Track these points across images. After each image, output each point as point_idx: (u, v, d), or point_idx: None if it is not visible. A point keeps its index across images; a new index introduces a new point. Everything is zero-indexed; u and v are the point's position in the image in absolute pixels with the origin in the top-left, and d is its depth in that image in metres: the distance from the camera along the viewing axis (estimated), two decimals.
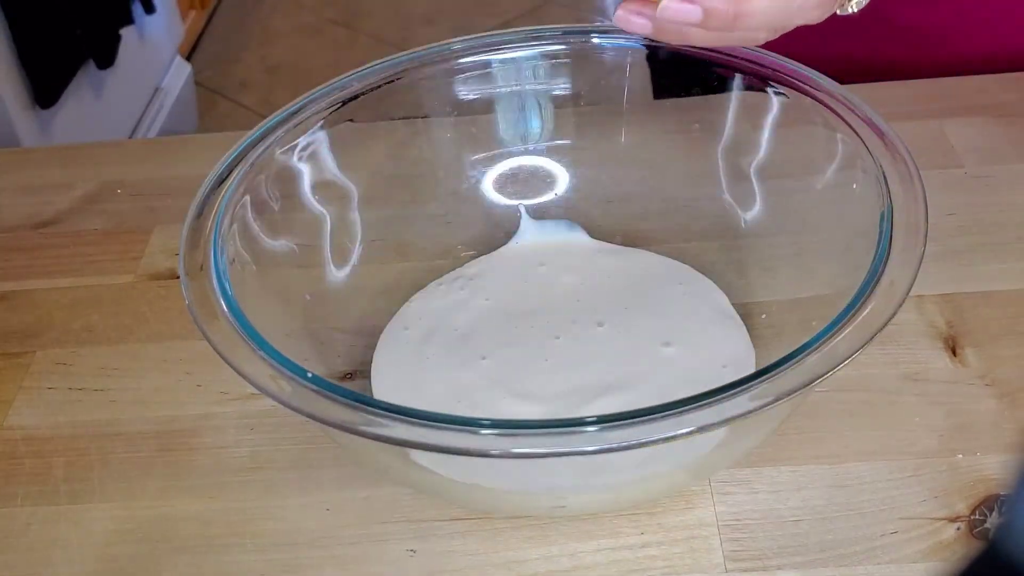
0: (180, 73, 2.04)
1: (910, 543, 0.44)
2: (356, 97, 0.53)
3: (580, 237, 0.58)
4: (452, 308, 0.54)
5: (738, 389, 0.37)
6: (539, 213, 0.58)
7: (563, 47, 0.56)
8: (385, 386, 0.50)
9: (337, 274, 0.54)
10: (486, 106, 0.58)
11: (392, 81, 0.54)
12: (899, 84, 0.67)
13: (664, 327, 0.52)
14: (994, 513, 0.44)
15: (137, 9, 1.77)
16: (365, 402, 0.38)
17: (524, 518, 0.46)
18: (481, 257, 0.57)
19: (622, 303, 0.53)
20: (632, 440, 0.35)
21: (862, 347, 0.38)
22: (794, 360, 0.37)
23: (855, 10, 0.48)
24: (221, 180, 0.48)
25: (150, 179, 0.67)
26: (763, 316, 0.52)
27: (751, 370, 0.49)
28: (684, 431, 0.36)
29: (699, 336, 0.51)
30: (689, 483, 0.47)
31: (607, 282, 0.55)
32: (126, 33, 1.72)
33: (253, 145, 0.50)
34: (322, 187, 0.54)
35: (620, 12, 0.45)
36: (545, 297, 0.54)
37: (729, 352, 0.50)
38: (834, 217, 0.50)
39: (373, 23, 2.34)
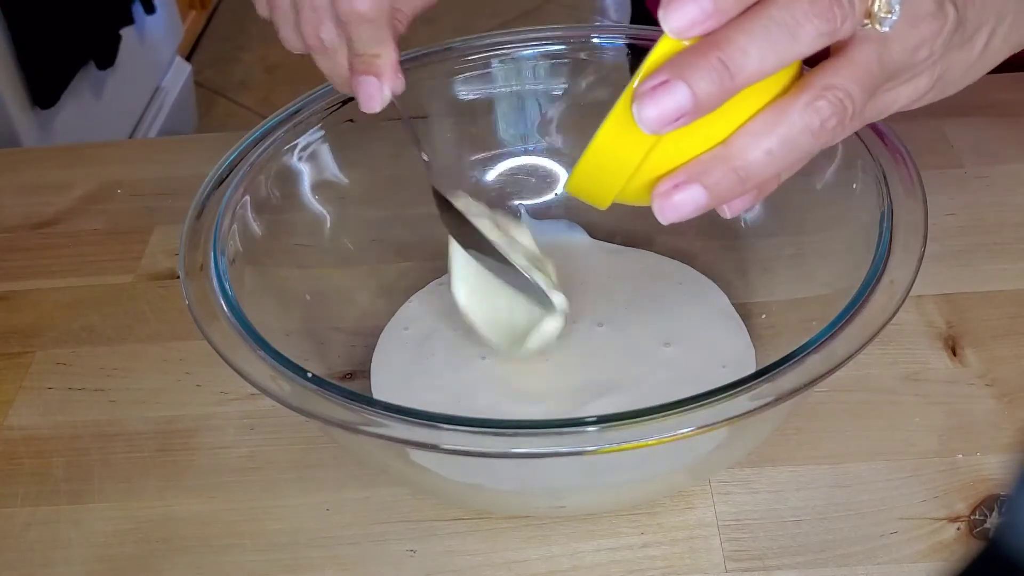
0: (180, 73, 2.04)
1: (910, 543, 0.44)
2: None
3: (580, 237, 0.58)
4: (452, 308, 0.54)
5: (738, 389, 0.37)
6: (539, 213, 0.58)
7: (563, 47, 0.57)
8: (385, 386, 0.50)
9: (337, 274, 0.54)
10: (486, 106, 0.58)
11: None
12: None
13: (664, 327, 0.52)
14: (994, 513, 0.44)
15: (137, 9, 1.77)
16: (365, 402, 0.38)
17: (524, 518, 0.46)
18: None
19: (622, 303, 0.53)
20: (632, 440, 0.35)
21: (862, 347, 0.38)
22: (794, 360, 0.37)
23: (887, 27, 0.36)
24: (221, 180, 0.48)
25: (150, 179, 0.67)
26: (763, 316, 0.52)
27: (751, 370, 0.49)
28: (684, 431, 0.36)
29: (699, 336, 0.51)
30: (689, 483, 0.47)
31: (607, 282, 0.55)
32: (126, 33, 1.72)
33: (253, 145, 0.50)
34: (322, 187, 0.54)
35: (659, 202, 0.36)
36: None
37: (729, 352, 0.50)
38: (834, 217, 0.49)
39: None
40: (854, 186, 0.47)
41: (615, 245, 0.57)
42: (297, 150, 0.52)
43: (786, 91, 0.35)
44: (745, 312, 0.52)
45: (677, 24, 0.32)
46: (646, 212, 0.58)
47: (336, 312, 0.53)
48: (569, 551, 0.45)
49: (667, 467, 0.44)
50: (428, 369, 0.51)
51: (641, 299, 0.54)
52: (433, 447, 0.36)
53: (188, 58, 2.16)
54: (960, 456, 0.47)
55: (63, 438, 0.51)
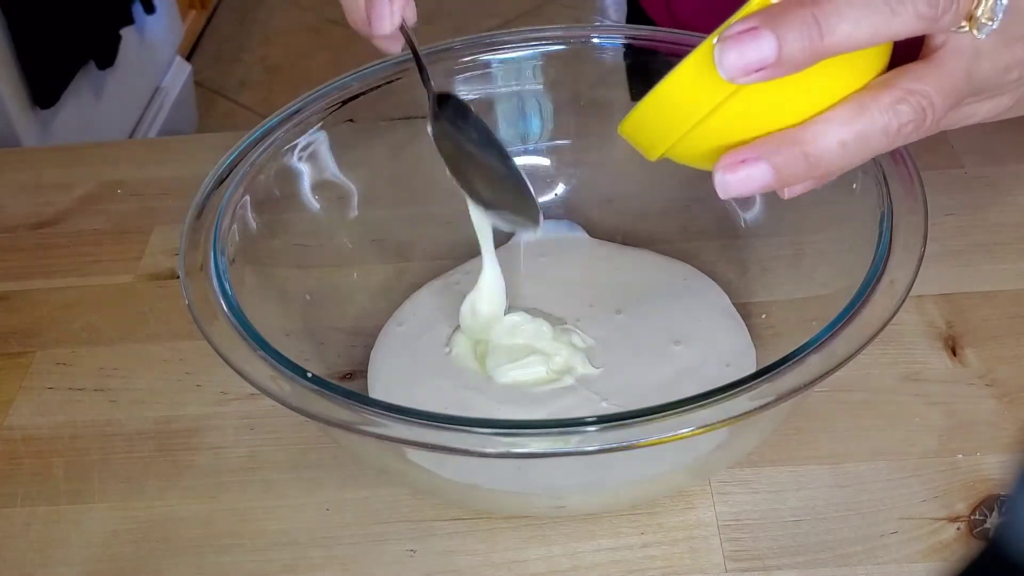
0: (180, 73, 2.04)
1: (910, 543, 0.44)
2: (356, 97, 0.53)
3: (580, 237, 0.58)
4: (450, 306, 0.54)
5: (738, 389, 0.37)
6: None
7: (563, 47, 0.57)
8: (383, 385, 0.50)
9: (337, 274, 0.54)
10: (486, 106, 0.58)
11: (392, 81, 0.54)
12: None
13: (667, 326, 0.51)
14: (994, 513, 0.44)
15: (137, 9, 1.77)
16: (364, 402, 0.38)
17: (524, 518, 0.46)
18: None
19: (623, 303, 0.53)
20: (632, 440, 0.35)
21: (862, 347, 0.38)
22: (794, 360, 0.37)
23: (984, 34, 0.35)
24: (221, 180, 0.48)
25: (150, 179, 0.68)
26: (763, 316, 0.52)
27: (751, 370, 0.49)
28: (684, 431, 0.36)
29: (702, 335, 0.51)
30: (689, 483, 0.47)
31: (607, 282, 0.55)
32: (126, 33, 1.72)
33: (253, 145, 0.50)
34: (322, 187, 0.54)
35: (723, 175, 0.34)
36: (544, 296, 0.54)
37: (732, 351, 0.50)
38: (834, 217, 0.49)
39: None
40: (854, 186, 0.47)
41: (615, 244, 0.57)
42: (297, 150, 0.52)
43: (864, 87, 0.34)
44: (745, 312, 0.52)
45: None
46: (646, 212, 0.58)
47: (336, 312, 0.53)
48: (569, 551, 0.45)
49: (667, 467, 0.43)
50: (426, 368, 0.51)
51: (642, 299, 0.53)
52: (433, 447, 0.36)
53: (188, 58, 2.16)
54: (960, 456, 0.47)
55: (63, 438, 0.51)
